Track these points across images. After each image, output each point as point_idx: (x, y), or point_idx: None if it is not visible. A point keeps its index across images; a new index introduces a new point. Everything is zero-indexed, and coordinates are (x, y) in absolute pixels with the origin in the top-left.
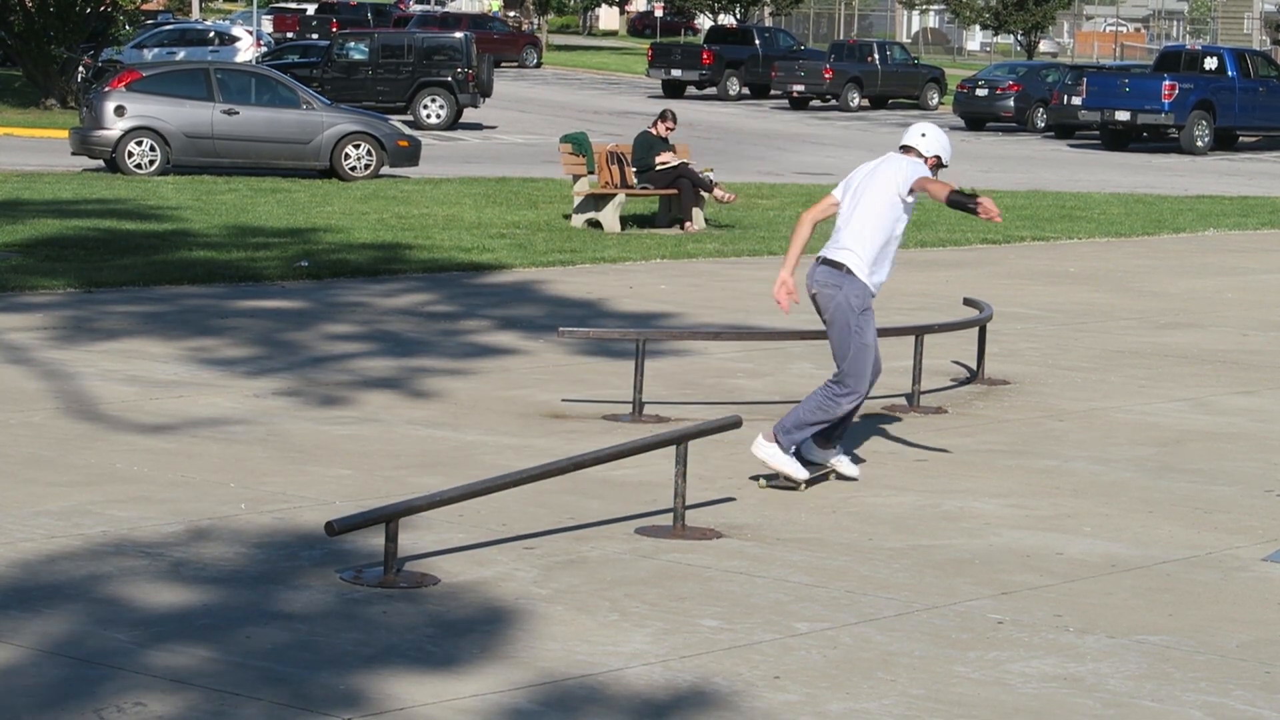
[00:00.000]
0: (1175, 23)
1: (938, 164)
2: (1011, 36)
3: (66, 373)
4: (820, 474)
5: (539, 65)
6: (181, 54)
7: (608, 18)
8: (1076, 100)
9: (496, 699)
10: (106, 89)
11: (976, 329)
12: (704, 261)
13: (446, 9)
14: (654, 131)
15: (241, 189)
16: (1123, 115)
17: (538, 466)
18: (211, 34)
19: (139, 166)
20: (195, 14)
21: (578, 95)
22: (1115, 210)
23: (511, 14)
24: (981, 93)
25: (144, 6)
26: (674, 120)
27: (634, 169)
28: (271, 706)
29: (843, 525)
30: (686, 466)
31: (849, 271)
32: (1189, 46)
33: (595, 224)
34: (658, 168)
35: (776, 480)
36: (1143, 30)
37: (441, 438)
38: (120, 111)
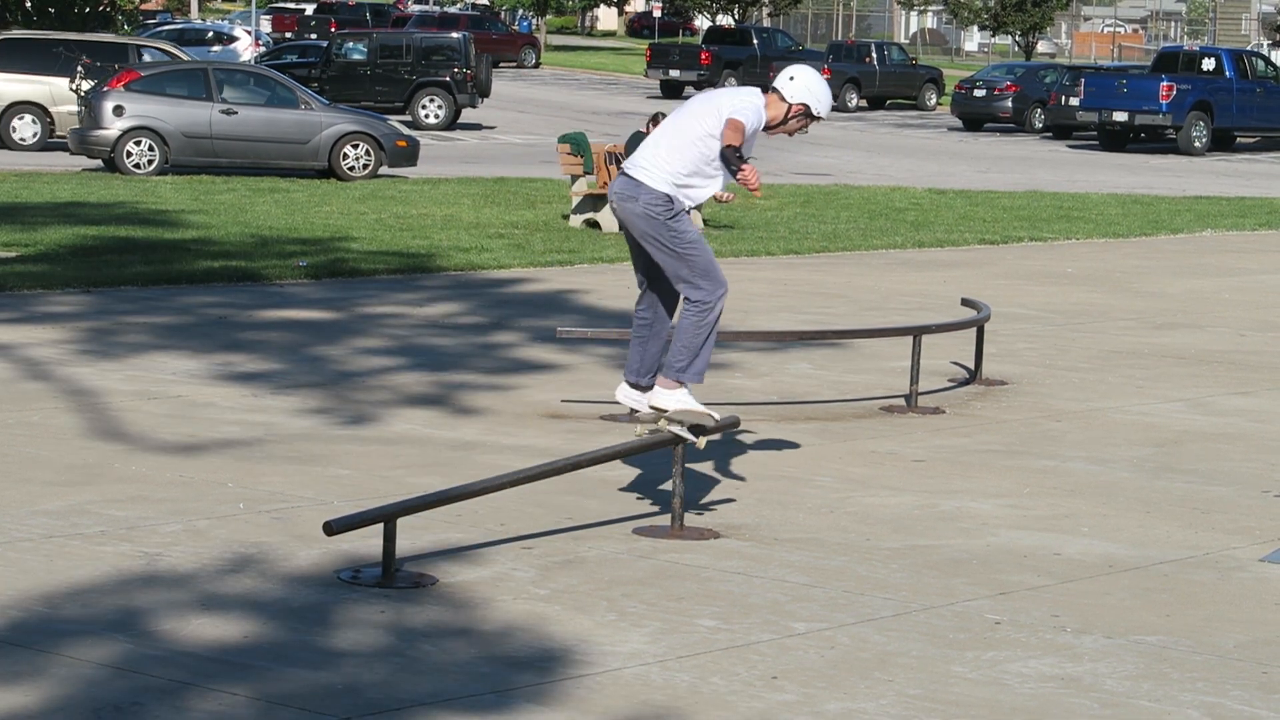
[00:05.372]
0: (1173, 24)
1: (805, 112)
2: (1009, 37)
3: (63, 373)
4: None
5: (537, 65)
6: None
7: (606, 18)
8: (1074, 101)
9: (494, 699)
10: (105, 89)
11: (974, 329)
12: None
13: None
14: (646, 132)
15: (240, 189)
16: (1120, 116)
17: (536, 466)
18: (210, 34)
19: (137, 166)
20: (194, 14)
21: (576, 95)
22: (1113, 211)
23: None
24: (979, 93)
25: (143, 6)
26: None
27: None
28: (268, 706)
29: (840, 525)
30: (685, 466)
31: (641, 182)
32: (1187, 47)
33: (594, 224)
34: None
35: (661, 430)
36: (1140, 31)
37: (439, 437)
38: (119, 111)
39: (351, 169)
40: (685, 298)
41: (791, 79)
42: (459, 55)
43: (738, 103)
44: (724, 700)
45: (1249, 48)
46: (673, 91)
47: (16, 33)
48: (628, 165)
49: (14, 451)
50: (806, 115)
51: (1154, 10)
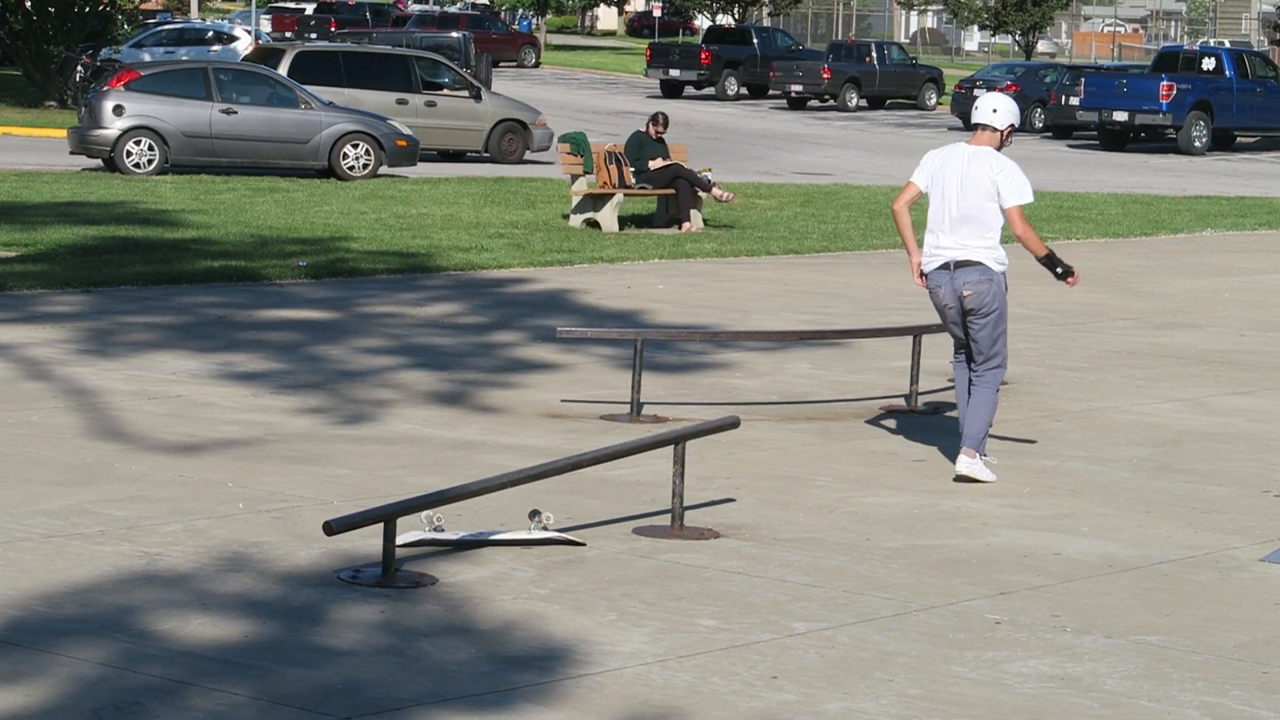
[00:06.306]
0: (1173, 23)
1: (1012, 131)
2: (1009, 37)
3: (63, 373)
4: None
5: (537, 65)
6: (182, 53)
7: (606, 18)
8: (1074, 100)
9: (494, 699)
10: (105, 88)
11: None
12: (702, 261)
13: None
14: (647, 132)
15: (240, 188)
16: (1120, 115)
17: (536, 466)
18: (210, 33)
19: (137, 166)
20: (194, 13)
21: (576, 95)
22: (1113, 210)
23: None
24: (979, 93)
25: (143, 6)
26: (665, 124)
27: (631, 169)
28: (268, 705)
29: (840, 525)
30: (684, 466)
31: (989, 265)
32: (1186, 47)
33: (593, 224)
34: (650, 168)
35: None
36: (1140, 31)
37: (439, 437)
38: (119, 111)
39: (351, 169)
40: (987, 365)
41: (995, 111)
42: (459, 54)
43: (1002, 181)
44: (724, 700)
45: (1238, 45)
46: (672, 91)
47: (318, 45)
48: (965, 254)
49: (14, 451)
50: (1013, 129)
51: (1154, 10)
